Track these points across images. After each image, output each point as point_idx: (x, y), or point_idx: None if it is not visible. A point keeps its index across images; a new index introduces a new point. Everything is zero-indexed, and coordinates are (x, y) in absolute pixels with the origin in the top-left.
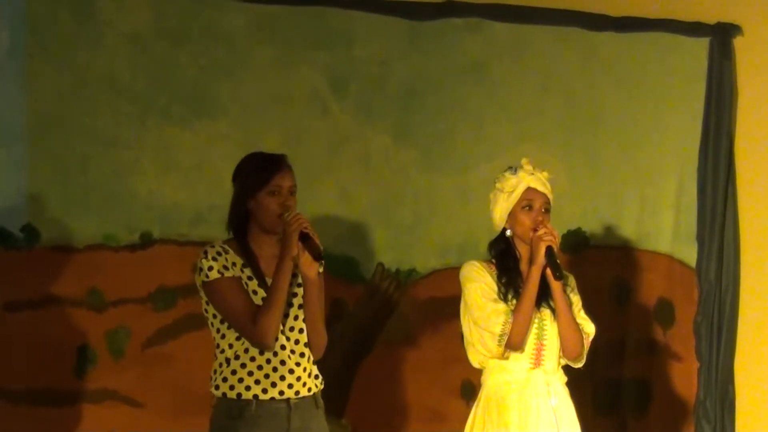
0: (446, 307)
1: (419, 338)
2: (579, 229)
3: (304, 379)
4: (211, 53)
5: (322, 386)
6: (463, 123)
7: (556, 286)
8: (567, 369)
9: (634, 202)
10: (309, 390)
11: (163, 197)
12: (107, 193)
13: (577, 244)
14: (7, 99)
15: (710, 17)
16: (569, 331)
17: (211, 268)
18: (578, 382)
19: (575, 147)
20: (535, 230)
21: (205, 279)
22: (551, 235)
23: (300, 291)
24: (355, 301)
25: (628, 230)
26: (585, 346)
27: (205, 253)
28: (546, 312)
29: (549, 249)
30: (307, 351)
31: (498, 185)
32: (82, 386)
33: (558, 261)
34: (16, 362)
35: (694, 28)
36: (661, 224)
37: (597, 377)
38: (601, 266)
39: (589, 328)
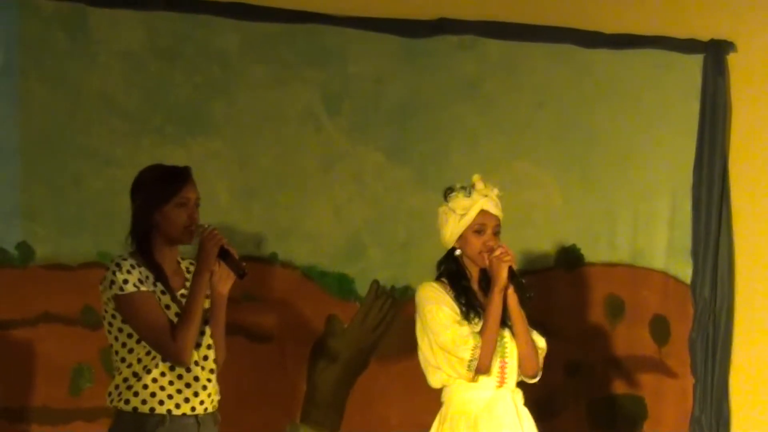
0: None
1: (414, 355)
2: (573, 246)
3: (212, 395)
4: (205, 71)
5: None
6: (457, 140)
7: (513, 303)
8: (565, 385)
9: (628, 218)
10: (214, 406)
11: None
12: (102, 211)
13: (571, 261)
14: (1, 117)
15: (704, 34)
16: (527, 348)
17: (126, 282)
18: (573, 399)
19: (569, 164)
20: (490, 251)
21: (119, 292)
22: (509, 255)
23: (207, 305)
24: (350, 318)
25: (622, 247)
26: (540, 361)
27: (118, 265)
28: (505, 331)
29: (511, 269)
30: (215, 366)
31: (450, 204)
32: (78, 404)
33: (522, 280)
34: (11, 380)
35: (687, 45)
36: (656, 241)
37: (592, 394)
38: (595, 283)
39: (541, 343)
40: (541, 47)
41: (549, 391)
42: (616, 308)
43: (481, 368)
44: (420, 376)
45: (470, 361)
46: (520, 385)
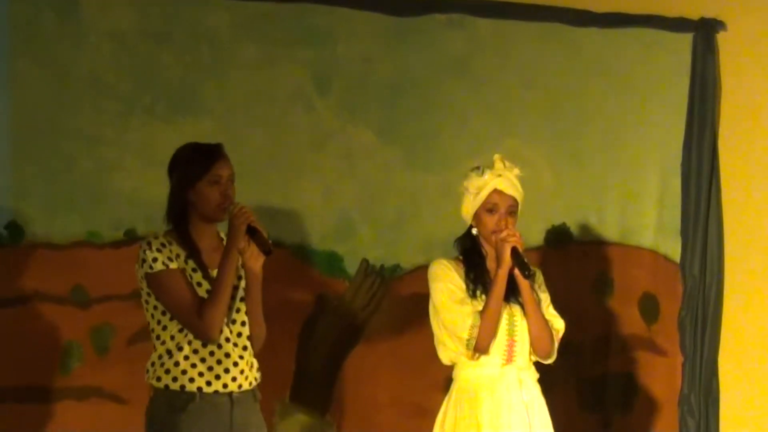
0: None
1: (403, 334)
2: (563, 224)
3: (246, 372)
4: (195, 51)
5: (260, 378)
6: (447, 119)
7: (524, 283)
8: (554, 364)
9: (617, 197)
10: (250, 383)
11: (147, 195)
12: (91, 190)
13: (561, 239)
14: None
15: (693, 13)
16: (538, 328)
17: (155, 260)
18: (563, 378)
19: (559, 143)
20: (497, 233)
21: (149, 270)
22: (515, 236)
23: (242, 284)
24: (340, 297)
25: (612, 225)
26: (555, 343)
27: (149, 244)
28: (516, 308)
29: (514, 249)
30: (249, 344)
31: (465, 183)
32: (67, 383)
33: (525, 260)
34: (0, 359)
35: (677, 24)
36: (645, 219)
37: (581, 373)
38: (585, 261)
39: (559, 324)
40: (530, 26)
41: (538, 370)
42: (605, 286)
43: (480, 347)
44: (409, 355)
45: (468, 340)
46: (537, 364)
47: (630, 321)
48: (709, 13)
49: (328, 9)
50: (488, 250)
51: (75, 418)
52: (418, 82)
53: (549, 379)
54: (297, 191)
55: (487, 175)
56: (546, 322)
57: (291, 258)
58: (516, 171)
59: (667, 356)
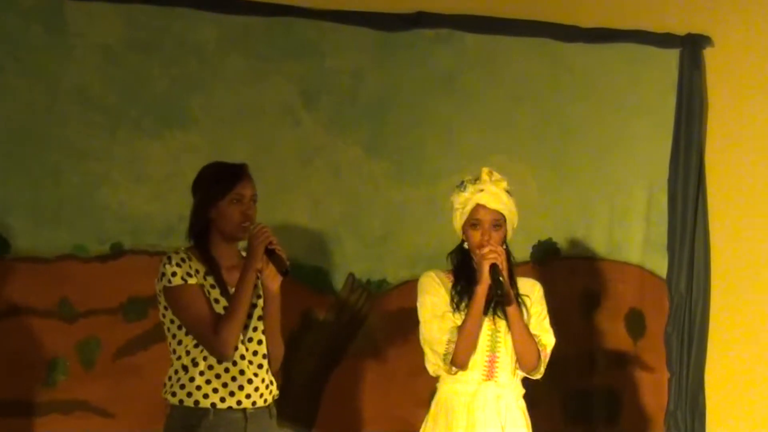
0: (416, 318)
1: (389, 349)
2: (549, 239)
3: (261, 390)
4: (182, 65)
5: (277, 395)
6: (434, 134)
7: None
8: (540, 379)
9: (604, 212)
10: (265, 401)
11: (134, 208)
12: (78, 204)
13: (547, 254)
14: None
15: (680, 28)
16: (523, 343)
17: (174, 274)
18: (548, 393)
19: (546, 158)
20: (481, 248)
21: (168, 284)
22: (495, 253)
23: (260, 302)
24: (326, 311)
25: (598, 241)
26: (542, 358)
27: (169, 258)
28: (501, 323)
29: (493, 267)
30: (264, 362)
31: (452, 198)
32: (53, 397)
33: (501, 278)
34: None
35: (664, 40)
36: (632, 235)
37: (567, 388)
38: (571, 277)
39: (547, 340)
40: (518, 41)
41: (525, 385)
42: (591, 302)
43: (457, 362)
44: (396, 370)
45: (444, 354)
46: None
47: (616, 337)
48: (695, 29)
49: (316, 23)
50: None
51: None
52: (406, 96)
53: (534, 393)
54: (284, 205)
55: (469, 191)
56: (531, 336)
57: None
58: (504, 184)
59: (653, 372)
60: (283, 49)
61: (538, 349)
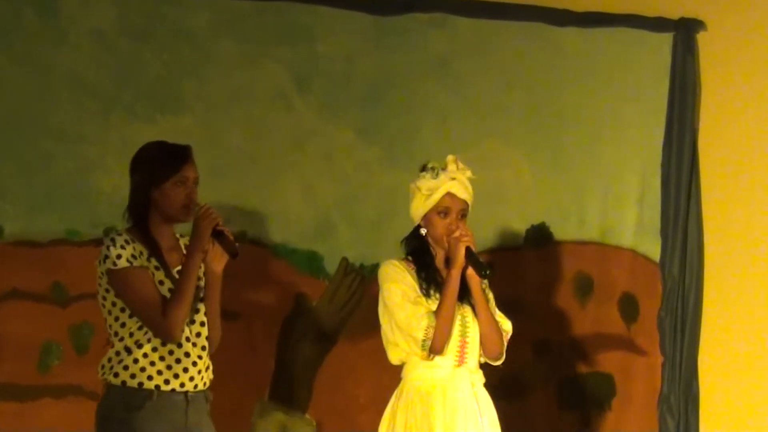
0: None
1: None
2: (543, 224)
3: (203, 372)
4: (175, 50)
5: (212, 378)
6: (427, 119)
7: (475, 284)
8: (534, 364)
9: (597, 197)
10: (205, 384)
11: (126, 193)
12: (71, 188)
13: (540, 238)
14: None
15: (674, 13)
16: (490, 329)
17: (119, 257)
18: (542, 377)
19: (539, 142)
20: (449, 233)
21: (113, 267)
22: (468, 236)
23: (202, 284)
24: (319, 295)
25: (591, 225)
26: (504, 344)
27: (113, 240)
28: (467, 309)
29: (468, 249)
30: (207, 344)
31: (417, 183)
32: (46, 381)
33: (480, 259)
34: None
35: (657, 24)
36: (625, 219)
37: (561, 372)
38: (564, 261)
39: (507, 326)
40: (511, 25)
41: (518, 370)
42: (585, 286)
43: (435, 348)
44: None
45: (423, 340)
46: (484, 366)
47: (609, 321)
48: (689, 13)
49: (309, 8)
50: (437, 250)
51: (54, 417)
52: (399, 81)
53: (529, 379)
54: (277, 190)
55: (441, 177)
56: (496, 323)
57: (270, 257)
58: (468, 173)
59: (646, 356)
60: (276, 34)
61: (502, 335)
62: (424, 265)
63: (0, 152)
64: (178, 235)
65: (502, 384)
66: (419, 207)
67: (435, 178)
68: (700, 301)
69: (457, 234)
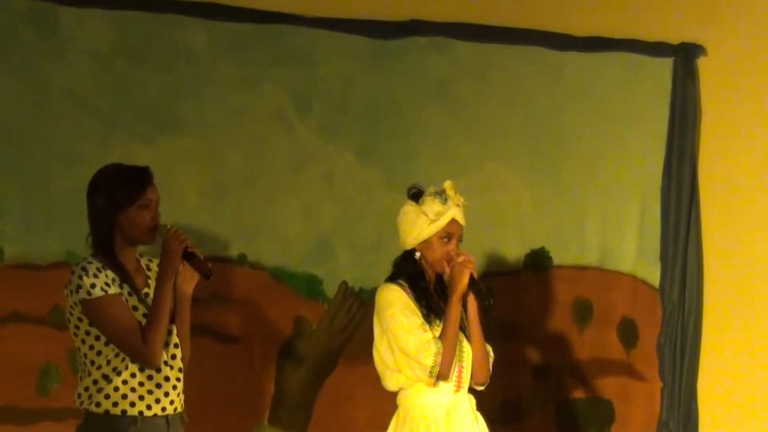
0: None
1: None
2: (542, 248)
3: (181, 395)
4: (174, 71)
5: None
6: (427, 142)
7: (472, 311)
8: (533, 388)
9: (597, 221)
10: (181, 406)
11: None
12: (70, 210)
13: (540, 263)
14: None
15: (673, 38)
16: (482, 355)
17: (93, 286)
18: (542, 401)
19: (539, 166)
20: (450, 259)
21: (87, 297)
22: (471, 263)
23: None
24: (319, 319)
25: (591, 250)
26: (490, 369)
27: (84, 269)
28: (461, 335)
29: (471, 277)
30: (182, 365)
31: (423, 207)
32: (46, 404)
33: (483, 288)
34: None
35: (657, 48)
36: (625, 244)
37: (560, 396)
38: (564, 285)
39: (490, 350)
40: (511, 49)
41: (517, 394)
42: (584, 311)
43: (442, 374)
44: None
45: (432, 367)
46: (478, 391)
47: (609, 346)
48: (688, 38)
49: (308, 30)
50: (431, 274)
51: None
52: (399, 104)
53: (528, 402)
54: (276, 212)
55: (449, 203)
56: (486, 348)
57: (270, 280)
58: (462, 199)
59: (645, 381)
60: (275, 56)
61: (489, 361)
62: (422, 291)
63: None
64: (137, 256)
65: (501, 408)
66: (423, 230)
67: (443, 204)
68: (700, 327)
69: (461, 260)
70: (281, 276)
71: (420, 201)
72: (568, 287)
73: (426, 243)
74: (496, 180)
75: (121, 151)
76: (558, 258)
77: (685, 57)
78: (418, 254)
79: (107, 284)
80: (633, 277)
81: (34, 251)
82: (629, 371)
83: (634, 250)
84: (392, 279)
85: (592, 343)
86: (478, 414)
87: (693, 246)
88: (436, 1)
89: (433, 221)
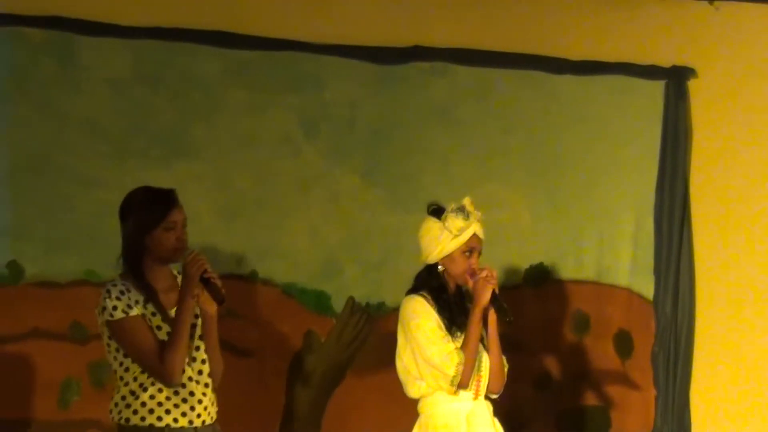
0: None
1: (389, 369)
2: (541, 263)
3: (209, 408)
4: (187, 97)
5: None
6: (429, 163)
7: (492, 323)
8: (534, 397)
9: (593, 238)
10: (212, 418)
11: None
12: (88, 231)
13: (539, 278)
14: None
15: (666, 61)
16: (499, 366)
17: (115, 308)
18: (542, 411)
19: (537, 185)
20: (473, 274)
21: (110, 318)
22: (494, 278)
23: (198, 322)
24: (327, 333)
25: (588, 265)
26: (505, 379)
27: (108, 292)
28: (481, 347)
29: (494, 293)
30: (210, 380)
31: (447, 224)
32: (66, 416)
33: (504, 305)
34: (1, 394)
35: (650, 71)
36: (620, 259)
37: (559, 406)
38: (562, 299)
39: (505, 362)
40: (509, 73)
41: (519, 404)
42: (581, 323)
43: (463, 383)
44: (395, 390)
45: (454, 376)
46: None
47: (605, 356)
48: (680, 62)
49: (316, 57)
50: (452, 287)
51: None
52: (402, 127)
53: (529, 412)
54: (285, 232)
55: (471, 219)
56: (502, 360)
57: (280, 296)
58: (480, 215)
59: (640, 390)
60: (284, 82)
61: (504, 371)
62: (445, 304)
63: (20, 195)
64: (175, 272)
65: (504, 417)
66: (446, 246)
67: (466, 219)
68: (692, 337)
69: (484, 275)
70: (291, 292)
71: (442, 217)
72: (566, 301)
73: (449, 257)
74: (496, 199)
75: (137, 175)
76: (556, 273)
77: (677, 80)
78: (441, 268)
79: (129, 306)
80: (628, 291)
81: (53, 270)
82: (625, 380)
83: (629, 264)
84: (415, 291)
85: (589, 353)
86: (495, 419)
87: (685, 260)
88: (437, 28)
89: (456, 236)
